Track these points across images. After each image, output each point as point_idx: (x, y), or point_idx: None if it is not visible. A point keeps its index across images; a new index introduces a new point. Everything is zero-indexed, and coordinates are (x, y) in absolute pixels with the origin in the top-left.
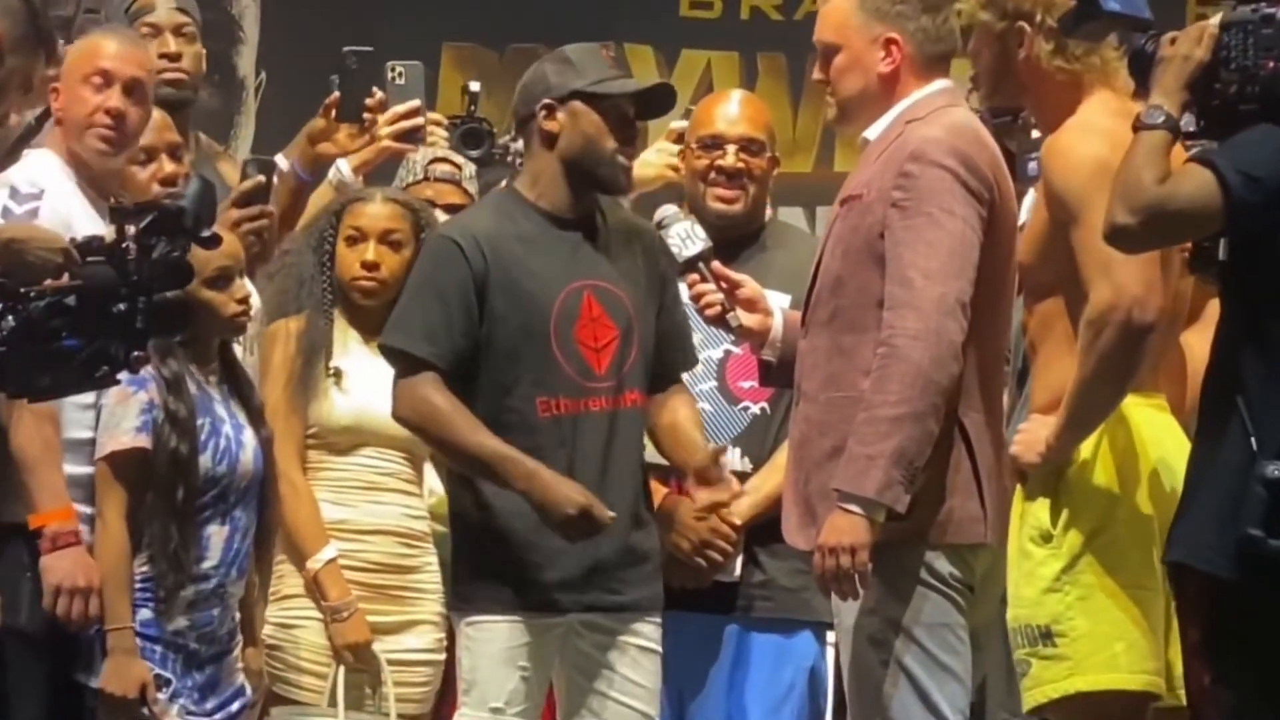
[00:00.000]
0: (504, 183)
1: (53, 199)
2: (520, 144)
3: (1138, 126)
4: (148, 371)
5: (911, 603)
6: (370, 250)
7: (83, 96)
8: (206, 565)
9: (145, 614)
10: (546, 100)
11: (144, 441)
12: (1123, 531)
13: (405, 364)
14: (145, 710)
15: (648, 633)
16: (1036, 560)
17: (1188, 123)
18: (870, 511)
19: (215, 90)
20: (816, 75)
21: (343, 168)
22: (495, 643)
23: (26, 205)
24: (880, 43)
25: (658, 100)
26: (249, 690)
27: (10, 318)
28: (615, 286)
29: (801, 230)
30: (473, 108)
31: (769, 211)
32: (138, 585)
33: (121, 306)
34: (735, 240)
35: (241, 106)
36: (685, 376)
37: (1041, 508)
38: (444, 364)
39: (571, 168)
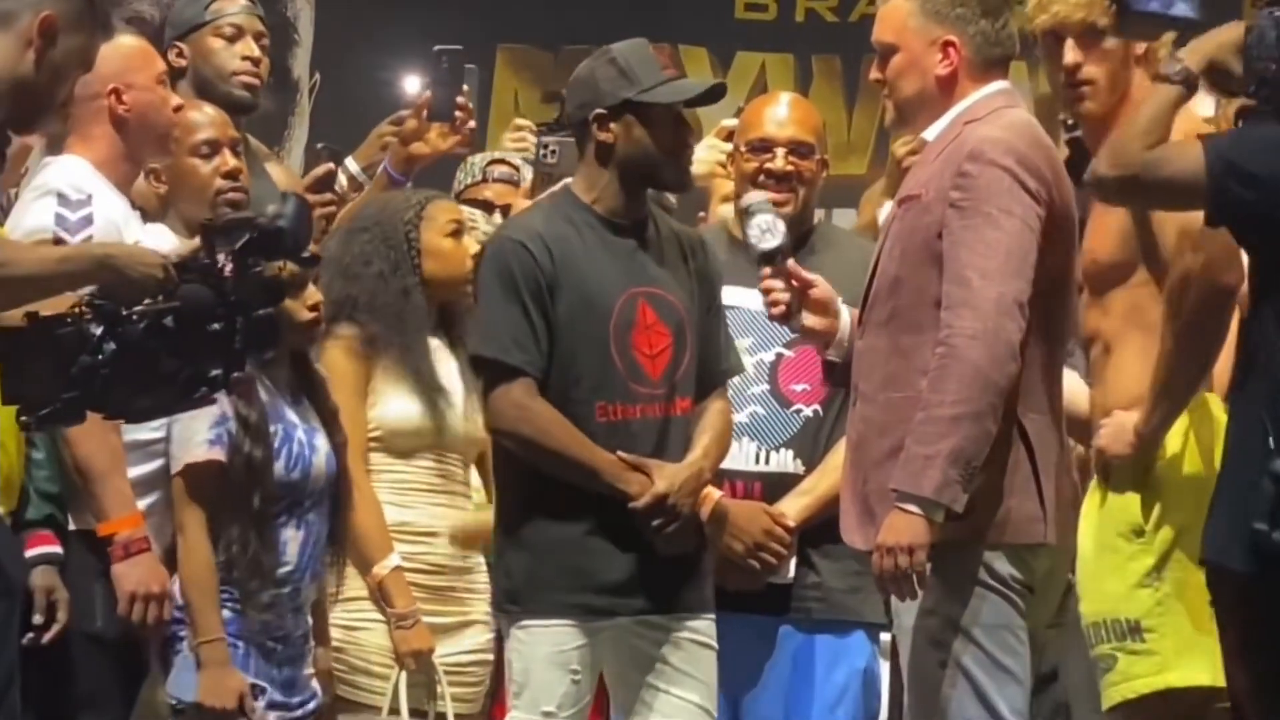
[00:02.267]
0: (560, 184)
1: (100, 203)
2: (552, 142)
3: (1156, 77)
4: None
5: (970, 603)
6: (474, 243)
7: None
8: (283, 570)
9: (224, 614)
10: (599, 110)
11: (218, 454)
12: None
13: (499, 373)
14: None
15: (702, 629)
16: (1126, 555)
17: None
18: (928, 511)
19: (269, 92)
20: (874, 76)
21: (351, 166)
22: (547, 646)
23: (80, 211)
24: (939, 45)
25: (710, 98)
26: (320, 691)
27: (111, 340)
28: (668, 293)
29: (850, 232)
30: (565, 112)
31: (818, 214)
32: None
33: (217, 326)
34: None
35: (295, 108)
36: (736, 379)
37: (1131, 502)
38: (535, 370)
39: (628, 175)
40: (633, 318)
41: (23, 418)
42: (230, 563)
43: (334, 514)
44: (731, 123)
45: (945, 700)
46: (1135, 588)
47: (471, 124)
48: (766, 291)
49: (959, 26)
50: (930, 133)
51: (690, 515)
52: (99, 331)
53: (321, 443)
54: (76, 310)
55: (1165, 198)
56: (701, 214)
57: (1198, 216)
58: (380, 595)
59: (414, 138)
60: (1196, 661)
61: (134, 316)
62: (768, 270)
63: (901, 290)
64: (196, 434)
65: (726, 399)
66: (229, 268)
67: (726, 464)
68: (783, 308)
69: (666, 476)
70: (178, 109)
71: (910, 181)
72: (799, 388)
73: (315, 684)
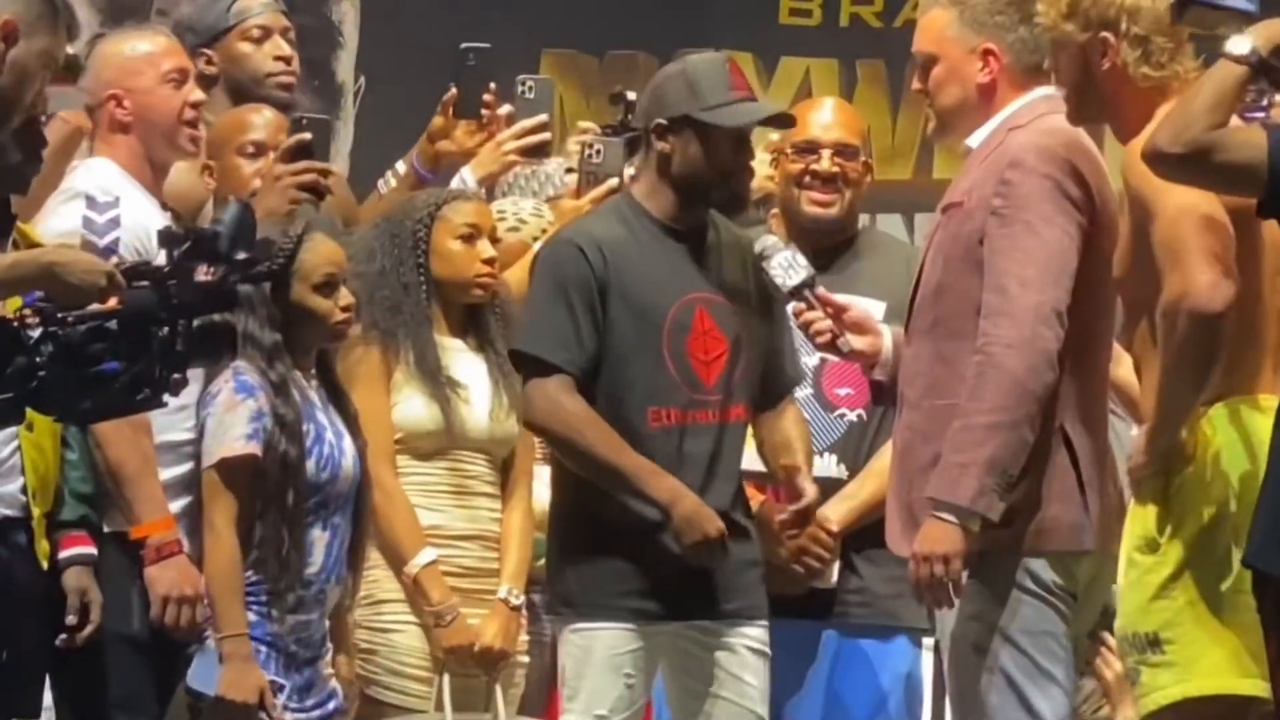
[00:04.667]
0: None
1: (128, 205)
2: (598, 142)
3: (1222, 53)
4: (256, 378)
5: (1013, 610)
6: (488, 247)
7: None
8: (309, 571)
9: (250, 617)
10: (659, 120)
11: (255, 448)
12: (1229, 538)
13: (537, 370)
14: (264, 715)
15: (756, 635)
16: (1143, 568)
17: None
18: (964, 520)
19: (314, 95)
20: (916, 86)
21: (466, 178)
22: (600, 650)
23: (107, 214)
24: (978, 53)
25: (776, 120)
26: (340, 694)
27: (49, 342)
28: (725, 300)
29: (895, 237)
30: (629, 115)
31: (864, 219)
32: (245, 590)
33: (162, 331)
34: (829, 247)
35: (340, 112)
36: None
37: (1149, 515)
38: (575, 369)
39: (682, 188)
40: (688, 323)
41: None
42: (260, 562)
43: (357, 518)
44: (780, 138)
45: (988, 706)
46: (1152, 600)
47: (545, 136)
48: (805, 326)
49: (998, 34)
50: (974, 140)
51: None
52: (37, 334)
53: (349, 446)
54: (19, 313)
55: (1222, 181)
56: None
57: (1184, 239)
58: (415, 592)
59: (440, 135)
60: (1216, 670)
61: (74, 319)
62: (800, 305)
63: (944, 298)
64: (233, 428)
65: (797, 406)
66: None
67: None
68: (826, 335)
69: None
70: (195, 105)
71: (954, 189)
72: (843, 392)
73: (334, 684)
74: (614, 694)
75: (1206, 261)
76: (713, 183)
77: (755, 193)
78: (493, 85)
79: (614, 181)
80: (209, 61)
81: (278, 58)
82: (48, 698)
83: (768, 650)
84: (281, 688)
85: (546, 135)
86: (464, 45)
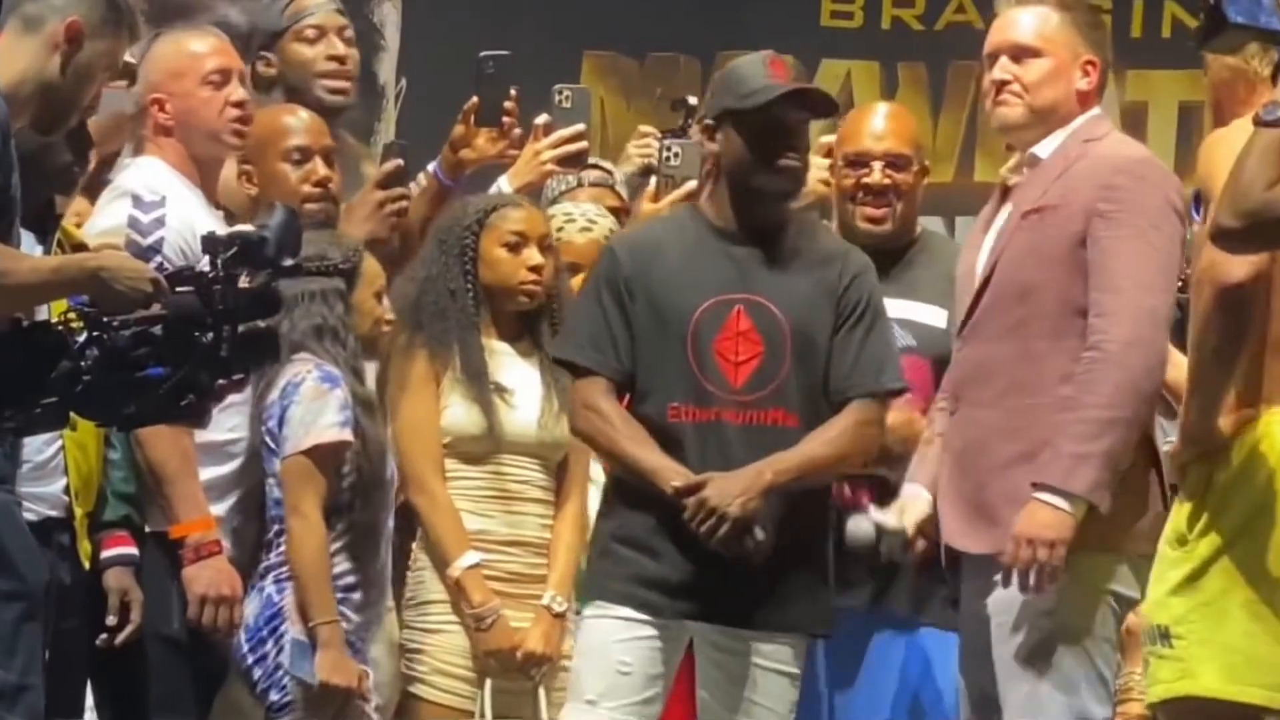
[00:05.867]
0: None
1: (175, 204)
2: (675, 144)
3: (1257, 121)
4: (337, 369)
5: (1090, 612)
6: (536, 254)
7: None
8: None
9: None
10: (706, 121)
11: (347, 435)
12: (1262, 543)
13: (575, 373)
14: (361, 701)
15: (775, 653)
16: (1168, 563)
17: None
18: (1074, 508)
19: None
20: (999, 75)
21: (504, 187)
22: (595, 636)
23: (153, 213)
24: (1082, 62)
25: (813, 102)
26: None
27: (94, 347)
28: (773, 303)
29: (952, 240)
30: (689, 120)
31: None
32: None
33: (207, 336)
34: (886, 255)
35: (382, 114)
36: None
37: (1184, 510)
38: (610, 371)
39: (733, 184)
40: (720, 323)
41: (5, 421)
42: (342, 555)
43: (398, 526)
44: (829, 139)
45: (1045, 703)
46: (1169, 594)
47: (583, 145)
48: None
49: (1098, 50)
50: (1043, 149)
51: (745, 521)
52: (83, 338)
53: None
54: (64, 317)
55: None
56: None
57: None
58: (457, 594)
59: (462, 143)
60: (1218, 674)
61: (120, 324)
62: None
63: (1034, 298)
64: (323, 415)
65: (858, 415)
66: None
67: None
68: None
69: (715, 481)
70: (239, 103)
71: (1031, 194)
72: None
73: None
74: (604, 680)
75: None
76: (753, 171)
77: (807, 196)
78: (513, 92)
79: (692, 184)
80: (268, 64)
81: (331, 57)
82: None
83: (790, 669)
84: (372, 678)
85: (584, 144)
86: (483, 53)
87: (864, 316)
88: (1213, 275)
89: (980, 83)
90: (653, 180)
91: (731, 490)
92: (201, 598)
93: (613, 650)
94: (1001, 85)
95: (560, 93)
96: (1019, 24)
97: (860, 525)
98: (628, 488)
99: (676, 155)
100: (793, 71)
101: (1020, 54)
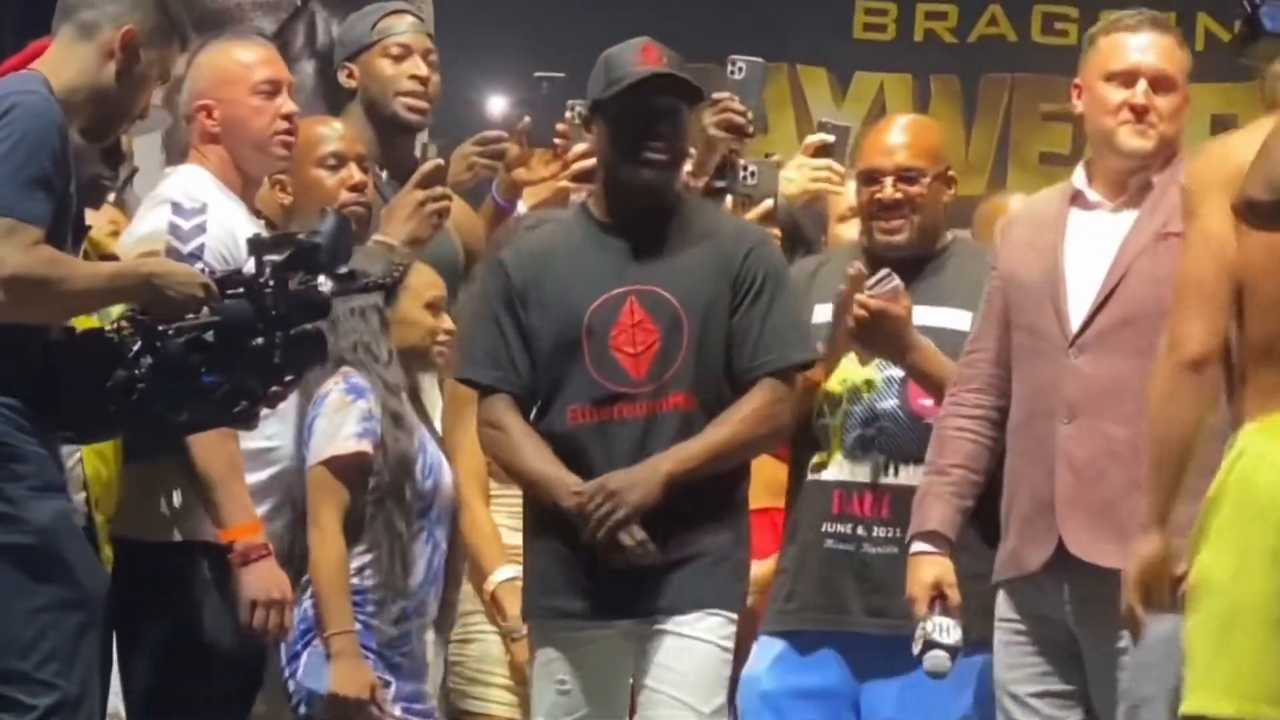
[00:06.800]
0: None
1: (216, 212)
2: (752, 163)
3: (1273, 106)
4: (366, 381)
5: None
6: None
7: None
8: (411, 581)
9: (355, 625)
10: (584, 114)
11: (366, 446)
12: (1262, 559)
13: (479, 392)
14: (376, 711)
15: (686, 622)
16: None
17: None
18: None
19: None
20: (1141, 100)
21: (522, 208)
22: (537, 656)
23: (193, 220)
24: (1187, 98)
25: (678, 87)
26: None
27: (148, 355)
28: (664, 289)
29: (985, 248)
30: None
31: (949, 234)
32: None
33: (259, 341)
34: (912, 265)
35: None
36: (866, 394)
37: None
38: (511, 386)
39: (605, 178)
40: (614, 317)
41: (62, 431)
42: (373, 564)
43: (452, 537)
44: (817, 138)
45: None
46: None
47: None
48: None
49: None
50: (1163, 175)
51: (624, 520)
52: (136, 346)
53: (447, 462)
54: (116, 325)
55: None
56: (824, 237)
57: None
58: (493, 607)
59: (516, 164)
60: (1206, 686)
61: (173, 331)
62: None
63: None
64: (344, 427)
65: (765, 394)
66: (270, 283)
67: (855, 477)
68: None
69: (609, 482)
70: (288, 116)
71: (1159, 218)
72: (928, 402)
73: (433, 703)
74: (547, 700)
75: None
76: (615, 163)
77: (800, 196)
78: (567, 115)
79: (769, 203)
80: (350, 75)
81: (413, 76)
82: (114, 703)
83: (704, 636)
84: (389, 683)
85: (593, 161)
86: (537, 74)
87: (763, 291)
88: (1171, 354)
89: (1013, 95)
90: (728, 199)
91: (625, 494)
92: (253, 601)
93: (553, 669)
94: (1142, 112)
95: (733, 63)
96: (1162, 51)
97: (939, 661)
98: (538, 502)
99: (754, 174)
100: (665, 58)
101: (1162, 83)
